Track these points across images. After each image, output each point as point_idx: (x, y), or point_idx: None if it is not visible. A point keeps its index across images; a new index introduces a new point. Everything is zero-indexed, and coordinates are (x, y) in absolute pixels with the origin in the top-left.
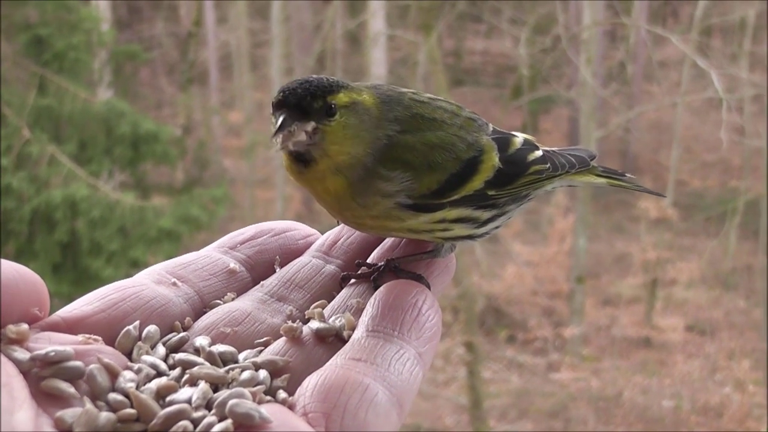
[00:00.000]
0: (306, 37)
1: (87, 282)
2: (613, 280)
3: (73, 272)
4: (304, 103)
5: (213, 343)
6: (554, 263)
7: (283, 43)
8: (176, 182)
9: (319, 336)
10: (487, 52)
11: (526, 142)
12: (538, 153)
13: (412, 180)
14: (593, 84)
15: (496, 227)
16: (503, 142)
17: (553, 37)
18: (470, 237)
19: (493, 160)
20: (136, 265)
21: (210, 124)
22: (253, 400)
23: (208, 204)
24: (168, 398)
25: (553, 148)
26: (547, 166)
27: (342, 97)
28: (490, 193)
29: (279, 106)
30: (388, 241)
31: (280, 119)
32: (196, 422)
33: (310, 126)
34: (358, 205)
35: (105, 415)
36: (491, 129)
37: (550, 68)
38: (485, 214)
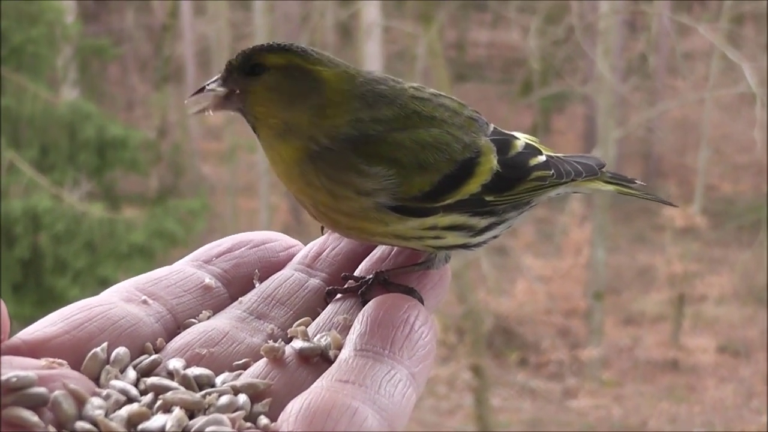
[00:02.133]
0: (293, 28)
1: (51, 303)
2: (636, 296)
3: (35, 292)
4: (228, 64)
5: (188, 365)
6: (570, 278)
7: (267, 35)
8: (149, 191)
9: (303, 356)
10: (494, 44)
11: (528, 145)
12: (541, 158)
13: (398, 179)
14: (611, 79)
15: (494, 236)
16: (503, 143)
17: (567, 26)
18: (465, 246)
19: (491, 162)
20: (105, 284)
21: (186, 126)
22: (232, 427)
23: (184, 217)
24: (140, 426)
25: (559, 154)
26: (551, 172)
27: (275, 58)
28: (488, 198)
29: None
30: (376, 252)
31: (213, 79)
32: None
33: (230, 84)
34: (323, 186)
35: None
36: (491, 129)
37: (563, 61)
38: (482, 222)
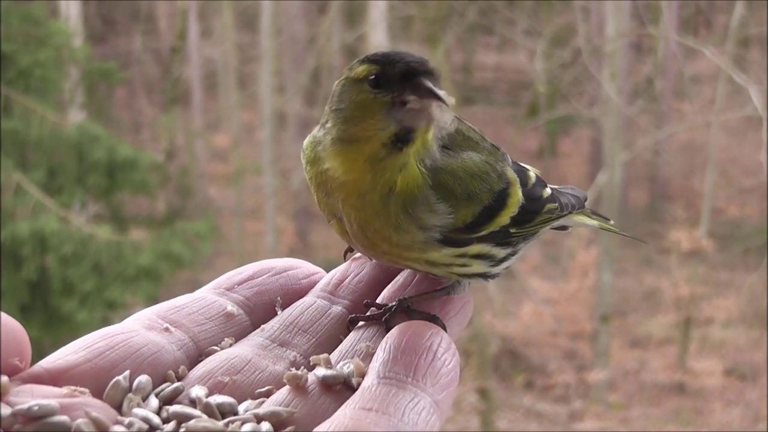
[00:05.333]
0: (299, 51)
1: (59, 325)
2: (642, 319)
3: (43, 314)
4: (436, 71)
5: (210, 393)
6: (576, 300)
7: (273, 58)
8: (156, 213)
9: (326, 384)
10: (500, 67)
11: (537, 177)
12: (548, 190)
13: (452, 213)
14: (618, 102)
15: (507, 267)
16: (523, 175)
17: (573, 49)
18: (484, 276)
19: (518, 194)
20: (113, 307)
21: (193, 149)
22: None
23: (191, 239)
24: None
25: (555, 186)
26: (556, 205)
27: None
28: (512, 230)
29: (414, 73)
30: (399, 279)
31: (428, 83)
32: None
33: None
34: (393, 219)
35: None
36: (510, 160)
37: (569, 84)
38: (502, 252)
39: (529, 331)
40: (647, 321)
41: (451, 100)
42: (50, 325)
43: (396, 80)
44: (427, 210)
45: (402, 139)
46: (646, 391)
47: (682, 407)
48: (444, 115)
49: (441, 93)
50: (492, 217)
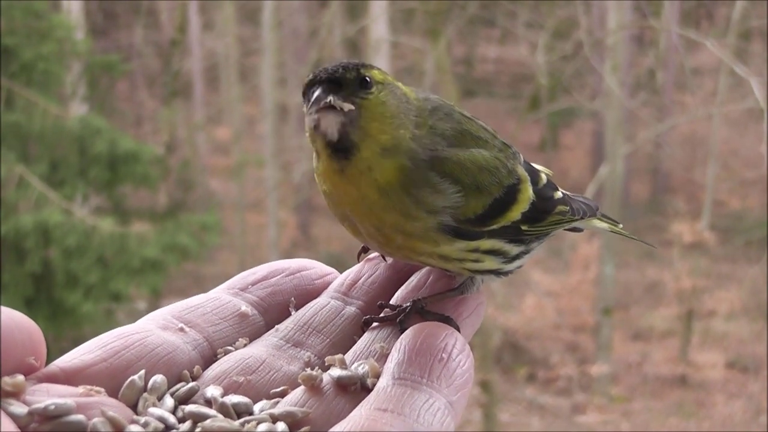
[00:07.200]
0: (300, 44)
1: (63, 317)
2: (644, 311)
3: (47, 306)
4: (337, 75)
5: (225, 393)
6: (578, 293)
7: (275, 51)
8: (158, 206)
9: (341, 384)
10: (502, 59)
11: (549, 179)
12: (559, 193)
13: (461, 198)
14: (619, 94)
15: (520, 266)
16: (534, 174)
17: (575, 42)
18: (496, 272)
19: (529, 191)
20: (118, 299)
21: (195, 142)
22: None
23: (197, 231)
24: None
25: (566, 192)
26: (568, 208)
27: (377, 74)
28: (524, 227)
29: (311, 84)
30: (413, 280)
31: (315, 92)
32: None
33: (347, 98)
34: (400, 207)
35: None
36: (522, 159)
37: (571, 77)
38: (515, 249)
39: (532, 323)
40: (649, 314)
41: (341, 103)
42: (54, 317)
43: (306, 95)
44: (432, 191)
45: (339, 148)
46: (648, 384)
47: (684, 400)
48: (333, 119)
49: (325, 99)
50: (502, 211)
